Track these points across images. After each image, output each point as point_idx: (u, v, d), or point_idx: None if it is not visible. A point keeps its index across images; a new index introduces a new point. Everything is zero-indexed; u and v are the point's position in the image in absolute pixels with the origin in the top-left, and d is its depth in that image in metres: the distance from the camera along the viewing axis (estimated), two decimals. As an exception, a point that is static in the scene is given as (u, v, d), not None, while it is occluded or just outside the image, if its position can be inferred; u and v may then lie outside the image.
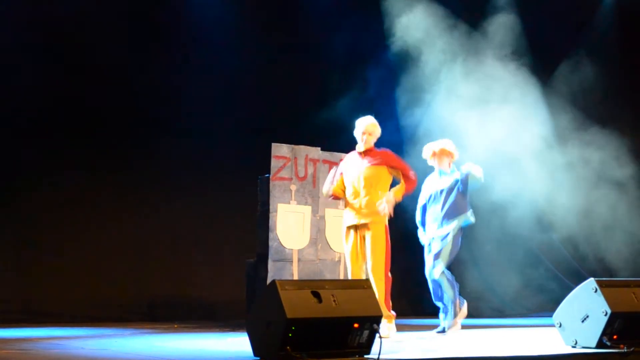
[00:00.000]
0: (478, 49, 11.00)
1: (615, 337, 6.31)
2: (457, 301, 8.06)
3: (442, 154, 8.13)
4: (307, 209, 8.87)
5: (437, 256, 8.02)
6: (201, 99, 10.56)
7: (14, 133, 9.77)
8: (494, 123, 10.30)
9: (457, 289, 8.08)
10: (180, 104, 10.60)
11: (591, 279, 6.44)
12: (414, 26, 10.79)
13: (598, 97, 11.85)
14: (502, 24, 11.23)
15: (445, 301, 8.09)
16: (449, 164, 8.16)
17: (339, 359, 5.56)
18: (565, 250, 12.11)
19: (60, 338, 7.69)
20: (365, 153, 7.65)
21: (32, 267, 9.77)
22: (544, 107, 11.29)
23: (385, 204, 7.46)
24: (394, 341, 7.15)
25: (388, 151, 7.70)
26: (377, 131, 7.71)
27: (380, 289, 7.37)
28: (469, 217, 8.08)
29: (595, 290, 6.34)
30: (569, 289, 6.84)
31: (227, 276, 10.10)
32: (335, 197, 7.85)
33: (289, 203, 8.77)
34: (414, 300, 11.16)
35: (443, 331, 8.12)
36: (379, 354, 5.63)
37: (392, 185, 7.69)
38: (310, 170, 8.91)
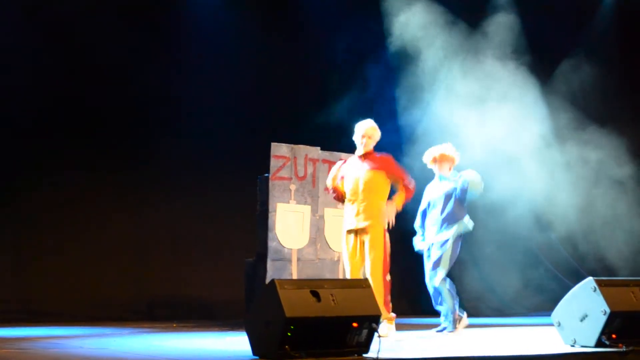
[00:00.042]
0: (478, 48, 11.01)
1: (614, 336, 6.32)
2: (457, 312, 8.06)
3: (443, 159, 8.16)
4: (307, 209, 8.87)
5: (437, 264, 8.03)
6: (201, 99, 10.57)
7: (14, 133, 9.78)
8: (494, 122, 10.31)
9: (457, 301, 8.08)
10: (180, 104, 10.60)
11: (590, 278, 6.45)
12: (413, 25, 10.80)
13: (597, 97, 11.85)
14: (502, 24, 11.24)
15: (444, 311, 8.10)
16: (450, 168, 8.19)
17: (338, 358, 5.56)
18: (564, 249, 12.12)
19: (59, 337, 7.69)
20: (364, 157, 7.66)
21: (31, 267, 9.79)
22: (543, 106, 11.29)
23: (388, 219, 7.51)
24: (393, 340, 7.16)
25: (388, 157, 7.70)
26: (377, 135, 7.71)
27: (378, 292, 7.34)
28: (467, 224, 8.10)
29: (594, 290, 6.34)
30: (568, 289, 6.84)
31: (226, 276, 10.10)
32: (336, 196, 7.82)
33: (289, 202, 8.77)
34: (413, 300, 11.16)
35: (443, 330, 8.13)
36: (378, 353, 5.64)
37: (391, 189, 7.70)
38: (309, 169, 8.92)
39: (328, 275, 8.82)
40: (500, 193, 10.38)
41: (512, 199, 10.81)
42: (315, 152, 9.00)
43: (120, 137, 10.28)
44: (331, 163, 8.94)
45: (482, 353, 6.23)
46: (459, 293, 8.24)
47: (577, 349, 6.34)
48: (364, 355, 5.72)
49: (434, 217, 8.13)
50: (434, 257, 8.06)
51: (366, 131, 7.66)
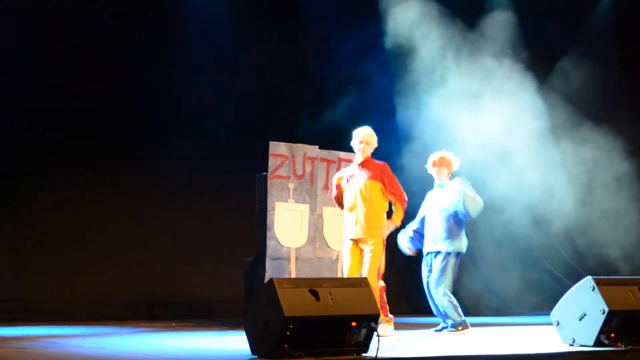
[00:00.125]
0: (476, 46, 11.02)
1: (612, 335, 6.33)
2: (462, 323, 8.08)
3: (442, 163, 8.22)
4: (305, 207, 8.87)
5: (439, 282, 8.04)
6: (201, 98, 10.57)
7: (14, 133, 9.79)
8: (491, 119, 10.31)
9: (459, 310, 8.10)
10: (180, 104, 10.61)
11: (589, 278, 6.45)
12: (411, 23, 10.81)
13: (595, 94, 11.85)
14: (500, 21, 11.24)
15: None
16: (448, 174, 8.23)
17: (337, 357, 5.56)
18: (563, 248, 12.11)
19: (59, 337, 7.70)
20: (362, 165, 7.71)
21: (31, 267, 9.79)
22: (540, 103, 11.29)
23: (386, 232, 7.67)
24: (392, 339, 7.16)
25: (385, 167, 7.75)
26: (374, 141, 7.79)
27: (374, 293, 7.40)
28: (462, 246, 8.12)
29: (593, 289, 6.35)
30: (567, 288, 6.85)
31: (226, 275, 10.10)
32: (336, 196, 7.87)
33: (287, 201, 8.77)
34: (412, 300, 11.15)
35: (442, 330, 8.14)
36: (377, 352, 5.64)
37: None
38: (308, 168, 8.92)
39: (327, 274, 8.81)
40: (499, 192, 10.39)
41: (511, 198, 10.82)
42: (313, 150, 9.00)
43: (120, 137, 10.28)
44: (329, 162, 8.96)
45: (481, 352, 6.24)
46: (459, 299, 8.27)
47: (576, 348, 6.35)
48: (363, 354, 5.72)
49: (431, 228, 8.18)
50: (435, 272, 8.08)
51: (364, 137, 7.73)
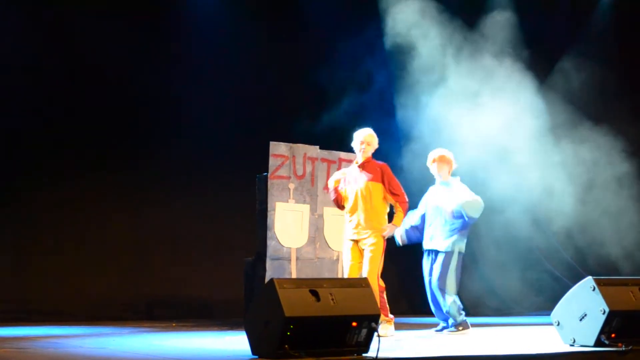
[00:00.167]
0: (476, 46, 11.01)
1: (613, 335, 6.33)
2: (462, 323, 8.08)
3: (442, 160, 8.21)
4: (306, 208, 8.87)
5: (442, 288, 8.03)
6: (201, 99, 10.57)
7: (14, 133, 9.78)
8: (491, 119, 10.31)
9: (462, 310, 8.10)
10: (180, 104, 10.60)
11: (589, 278, 6.45)
12: (411, 23, 10.81)
13: (595, 94, 11.84)
14: (500, 21, 11.24)
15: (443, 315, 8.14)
16: (449, 171, 8.22)
17: (337, 358, 5.56)
18: (563, 249, 12.11)
19: (58, 337, 7.70)
20: (363, 166, 7.72)
21: (31, 267, 9.78)
22: (540, 103, 11.29)
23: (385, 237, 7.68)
24: (393, 340, 7.16)
25: (386, 168, 7.77)
26: (375, 142, 7.83)
27: (374, 293, 7.40)
28: (461, 245, 8.11)
29: (593, 289, 6.35)
30: (567, 288, 6.84)
31: (226, 275, 10.09)
32: (335, 199, 7.87)
33: (287, 202, 8.77)
34: (412, 300, 11.15)
35: (442, 330, 8.14)
36: (377, 352, 5.64)
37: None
38: (308, 168, 8.92)
39: (327, 275, 8.81)
40: (499, 192, 10.39)
41: (511, 199, 10.82)
42: (314, 150, 9.00)
43: (120, 137, 10.28)
44: (330, 162, 8.95)
45: (481, 352, 6.24)
46: (460, 300, 8.27)
47: (577, 349, 6.35)
48: (364, 354, 5.73)
49: (432, 226, 8.18)
50: (436, 271, 8.06)
51: (365, 138, 7.76)
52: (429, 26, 10.86)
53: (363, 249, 7.65)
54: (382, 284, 7.77)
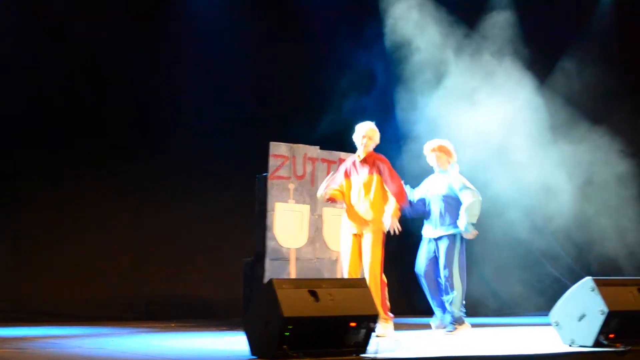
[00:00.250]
0: (476, 45, 11.01)
1: (612, 336, 6.33)
2: (459, 319, 8.06)
3: (441, 149, 8.19)
4: (306, 208, 8.87)
5: (450, 285, 8.01)
6: (201, 98, 10.57)
7: (14, 133, 9.78)
8: (491, 119, 10.31)
9: (463, 305, 8.09)
10: (180, 104, 10.60)
11: (588, 278, 6.45)
12: (411, 23, 10.81)
13: (594, 94, 11.84)
14: (500, 21, 11.24)
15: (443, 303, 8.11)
16: (448, 161, 8.19)
17: (336, 358, 5.57)
18: (563, 249, 12.11)
19: (58, 337, 7.70)
20: (364, 161, 7.72)
21: (30, 267, 9.78)
22: (540, 103, 11.28)
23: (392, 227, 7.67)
24: (392, 340, 7.16)
25: (387, 162, 7.77)
26: (377, 136, 7.82)
27: (376, 291, 7.40)
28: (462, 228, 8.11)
29: (592, 289, 6.35)
30: (567, 288, 6.84)
31: (225, 275, 10.09)
32: (332, 200, 7.90)
33: (287, 202, 8.77)
34: (411, 300, 11.14)
35: (441, 326, 8.12)
36: (376, 352, 5.64)
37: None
38: (308, 169, 8.92)
39: (326, 275, 8.81)
40: (499, 193, 10.38)
41: (511, 199, 10.82)
42: (314, 151, 9.00)
43: (120, 137, 10.28)
44: (330, 162, 8.95)
45: (481, 353, 6.24)
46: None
47: (575, 349, 6.35)
48: (362, 355, 5.73)
49: (432, 214, 8.15)
50: (442, 256, 8.01)
51: (367, 132, 7.76)
52: (428, 26, 10.86)
53: (362, 243, 7.63)
54: (384, 279, 7.74)
